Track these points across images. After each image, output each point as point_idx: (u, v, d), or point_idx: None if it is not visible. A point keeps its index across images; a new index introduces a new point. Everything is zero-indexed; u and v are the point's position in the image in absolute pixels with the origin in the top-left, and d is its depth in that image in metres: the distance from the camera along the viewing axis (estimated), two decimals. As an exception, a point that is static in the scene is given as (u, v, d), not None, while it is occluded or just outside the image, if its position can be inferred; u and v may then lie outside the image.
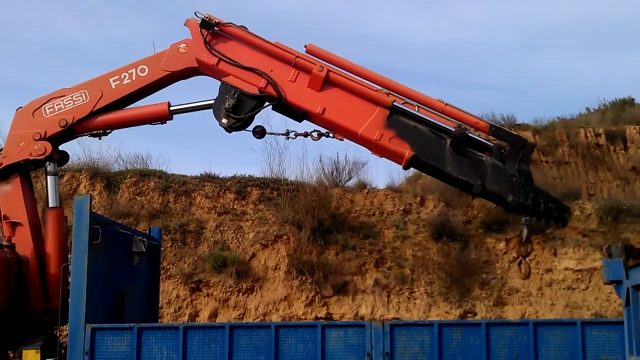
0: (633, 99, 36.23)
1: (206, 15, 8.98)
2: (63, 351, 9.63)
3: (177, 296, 19.06)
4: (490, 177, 8.22)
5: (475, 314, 19.09)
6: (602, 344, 8.82)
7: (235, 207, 21.06)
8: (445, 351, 8.90)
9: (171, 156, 41.92)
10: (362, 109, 8.65)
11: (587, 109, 35.51)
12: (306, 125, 9.16)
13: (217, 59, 8.91)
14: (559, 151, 28.11)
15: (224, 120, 8.84)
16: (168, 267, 19.19)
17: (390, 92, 8.59)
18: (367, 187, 22.35)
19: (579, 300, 19.37)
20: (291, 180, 21.64)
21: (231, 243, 20.06)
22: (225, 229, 20.33)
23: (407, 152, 8.41)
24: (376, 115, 8.58)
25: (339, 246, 20.07)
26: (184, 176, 21.94)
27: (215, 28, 9.02)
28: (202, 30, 8.99)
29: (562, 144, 27.94)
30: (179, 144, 43.58)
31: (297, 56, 8.79)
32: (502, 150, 8.42)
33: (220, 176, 22.08)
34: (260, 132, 9.01)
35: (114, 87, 9.51)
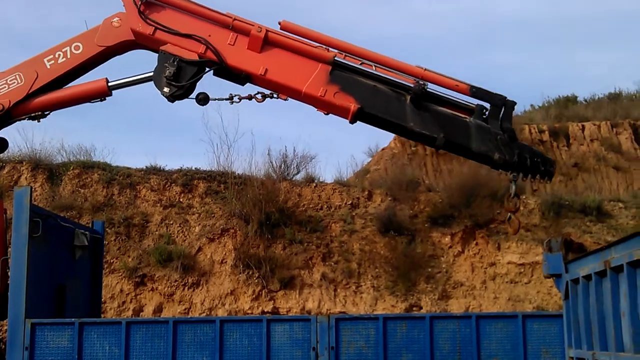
0: (576, 97, 37.16)
1: None
2: (2, 346, 9.41)
3: (121, 291, 18.78)
4: (475, 138, 8.26)
5: (421, 308, 19.29)
6: (543, 337, 9.00)
7: (181, 200, 20.83)
8: (390, 344, 8.98)
9: (116, 148, 41.28)
10: (304, 67, 8.62)
11: (531, 105, 36.28)
12: (250, 89, 9.07)
13: (153, 28, 8.73)
14: (503, 147, 28.57)
15: (166, 89, 8.69)
16: (112, 261, 18.88)
17: (366, 61, 8.55)
18: (315, 181, 22.36)
19: (522, 293, 19.75)
20: (239, 174, 21.52)
21: (177, 237, 19.85)
22: (171, 222, 20.10)
23: (353, 106, 8.42)
24: (319, 72, 8.56)
25: (286, 240, 20.04)
26: (128, 168, 21.60)
27: None
28: (136, 0, 8.80)
29: (507, 140, 28.40)
30: (124, 135, 43.01)
31: (235, 19, 8.71)
32: (484, 111, 8.48)
33: (167, 169, 21.82)
34: (203, 99, 8.89)
35: (49, 67, 9.25)
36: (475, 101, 8.53)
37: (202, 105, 8.87)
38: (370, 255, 20.14)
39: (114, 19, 9.09)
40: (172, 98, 8.81)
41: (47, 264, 9.76)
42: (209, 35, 8.69)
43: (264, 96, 8.97)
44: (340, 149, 54.78)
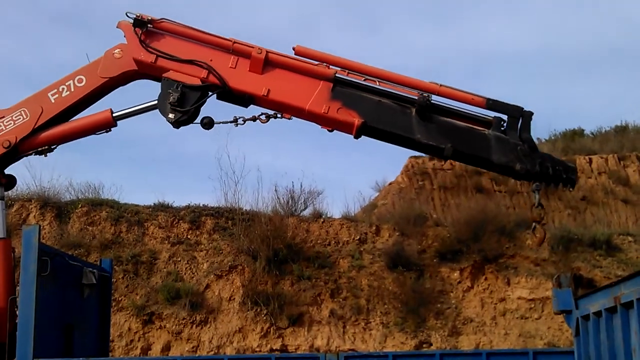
0: (582, 130, 37.17)
1: (138, 14, 8.91)
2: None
3: (129, 329, 18.69)
4: (496, 150, 8.25)
5: (431, 344, 19.11)
6: (554, 374, 8.89)
7: (189, 237, 20.83)
8: (399, 382, 8.89)
9: (124, 185, 41.43)
10: (305, 85, 8.66)
11: (537, 139, 36.17)
12: (253, 110, 9.10)
13: (155, 56, 8.81)
14: (511, 181, 28.48)
15: (171, 115, 8.73)
16: (120, 298, 18.83)
17: (384, 80, 8.60)
18: (323, 217, 22.35)
19: (532, 329, 19.55)
20: (246, 210, 21.55)
21: (185, 274, 19.80)
22: (179, 259, 20.08)
23: (357, 120, 8.46)
24: (320, 89, 8.61)
25: (295, 276, 19.97)
26: (136, 206, 21.65)
27: (149, 25, 8.94)
28: (136, 29, 8.89)
29: (514, 174, 28.37)
30: (132, 172, 43.18)
31: (235, 42, 8.78)
32: (502, 122, 8.48)
33: (174, 205, 21.87)
34: (208, 123, 8.92)
35: (53, 101, 9.31)
36: (492, 114, 8.55)
37: (207, 129, 8.92)
38: (378, 291, 20.03)
39: (116, 50, 9.18)
40: (177, 124, 8.86)
41: (55, 303, 9.72)
42: (211, 60, 8.78)
43: (268, 117, 9.01)
44: (348, 184, 54.83)
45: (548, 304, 19.15)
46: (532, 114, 8.42)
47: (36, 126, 9.35)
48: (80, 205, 21.00)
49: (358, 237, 21.63)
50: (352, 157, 50.28)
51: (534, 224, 8.32)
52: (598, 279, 19.57)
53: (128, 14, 8.95)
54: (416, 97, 8.41)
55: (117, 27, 9.18)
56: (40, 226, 9.53)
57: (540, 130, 35.07)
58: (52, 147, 9.58)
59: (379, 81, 8.64)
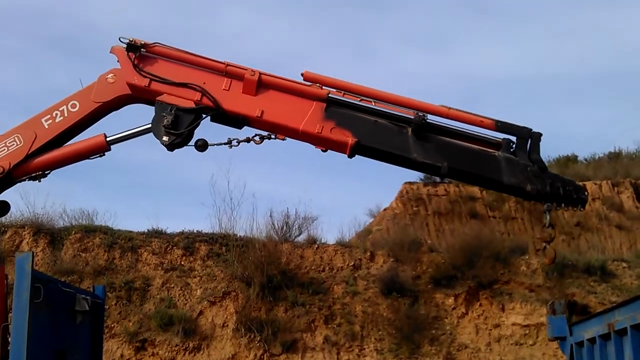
0: (576, 156, 37.38)
1: (131, 39, 8.96)
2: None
3: (122, 356, 18.54)
4: (506, 171, 8.26)
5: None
6: (549, 401, 8.84)
7: (182, 263, 20.76)
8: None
9: (118, 211, 41.33)
10: (299, 106, 8.66)
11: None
12: (247, 132, 9.10)
13: (149, 80, 8.84)
14: (505, 206, 28.67)
15: (165, 138, 8.71)
16: (112, 325, 18.71)
17: (396, 104, 8.64)
18: (317, 243, 22.31)
19: (527, 355, 19.48)
20: (240, 236, 21.50)
21: (178, 300, 19.70)
22: (172, 285, 19.99)
23: (350, 140, 8.46)
24: (314, 110, 8.61)
25: (289, 302, 19.89)
26: (130, 232, 21.59)
27: (142, 50, 8.98)
28: (129, 54, 8.93)
29: (508, 200, 28.50)
30: (126, 198, 43.14)
31: (228, 65, 8.82)
32: (511, 144, 8.52)
33: (168, 232, 21.82)
34: (202, 145, 8.90)
35: (47, 126, 9.28)
36: (501, 135, 8.58)
37: (201, 151, 8.91)
38: (373, 317, 19.96)
39: (109, 75, 9.19)
40: (171, 147, 8.85)
41: (47, 330, 9.65)
42: (204, 83, 8.79)
43: (262, 138, 9.00)
44: (342, 210, 54.86)
45: (543, 330, 19.10)
46: (540, 135, 8.47)
47: (30, 152, 9.32)
48: (73, 232, 20.93)
49: (352, 263, 21.59)
50: (347, 183, 50.37)
51: (544, 244, 8.34)
52: (593, 305, 19.56)
53: (121, 39, 9.00)
54: (412, 117, 8.46)
55: (110, 52, 9.22)
56: (33, 253, 9.49)
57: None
58: (46, 172, 9.56)
59: (374, 101, 8.70)
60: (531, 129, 8.49)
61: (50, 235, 20.79)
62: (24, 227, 20.71)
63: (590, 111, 64.05)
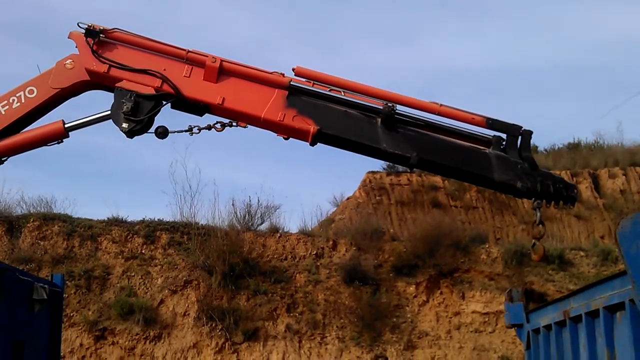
0: (536, 147, 37.75)
1: (90, 24, 8.82)
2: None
3: (81, 345, 18.36)
4: (496, 168, 8.28)
5: (387, 358, 19.17)
6: (506, 387, 8.98)
7: (143, 251, 20.58)
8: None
9: (77, 199, 40.78)
10: (260, 93, 8.62)
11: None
12: (208, 119, 9.03)
13: (108, 65, 8.71)
14: (467, 196, 28.92)
15: (124, 125, 8.59)
16: (72, 314, 18.50)
17: (387, 101, 8.61)
18: (280, 231, 22.30)
19: (486, 343, 19.75)
20: (202, 224, 21.39)
21: (139, 289, 19.55)
22: (133, 274, 19.82)
23: (312, 128, 8.45)
24: (275, 97, 8.58)
25: (250, 291, 19.87)
26: (90, 220, 21.34)
27: (101, 35, 8.85)
28: (88, 39, 8.79)
29: (470, 189, 28.76)
30: (86, 186, 42.61)
31: (189, 51, 8.74)
32: (502, 141, 8.57)
33: (129, 220, 21.61)
34: (163, 132, 8.80)
35: (3, 112, 9.11)
36: (490, 133, 8.63)
37: (161, 138, 8.81)
38: (335, 306, 20.04)
39: (67, 61, 9.04)
40: (130, 134, 8.75)
41: (4, 319, 9.50)
42: (164, 69, 8.69)
43: (223, 125, 8.94)
44: (305, 198, 54.90)
45: (502, 318, 19.29)
46: (531, 132, 8.54)
47: None
48: (32, 220, 20.63)
49: (315, 251, 21.62)
50: (310, 172, 50.46)
51: (534, 241, 8.46)
52: (551, 293, 19.82)
53: (80, 24, 8.85)
54: (381, 107, 8.47)
55: (68, 37, 9.05)
56: (-11, 240, 9.35)
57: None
58: (3, 159, 9.40)
59: (344, 91, 8.68)
60: (522, 127, 8.56)
61: (7, 223, 20.45)
62: (-20, 215, 20.37)
63: (551, 104, 64.93)
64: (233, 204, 22.36)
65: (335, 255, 21.74)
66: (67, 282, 17.44)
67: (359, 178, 30.21)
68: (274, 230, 22.32)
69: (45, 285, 10.85)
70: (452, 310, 20.44)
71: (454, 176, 8.95)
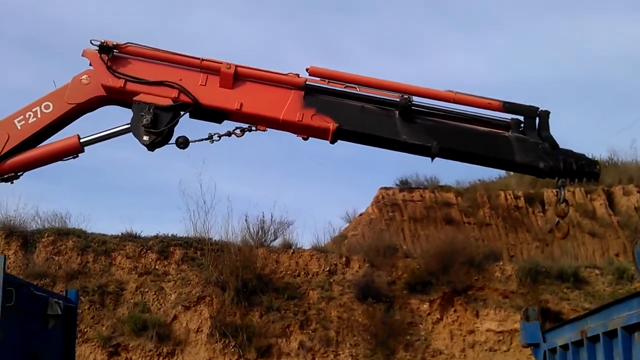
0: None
1: (102, 41, 8.88)
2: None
3: (94, 360, 18.39)
4: (517, 150, 8.28)
5: (400, 376, 19.06)
6: (522, 407, 8.89)
7: (157, 267, 20.61)
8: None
9: (92, 214, 40.95)
10: (277, 96, 8.65)
11: (506, 172, 36.61)
12: (227, 125, 9.05)
13: (123, 80, 8.76)
14: (480, 213, 28.78)
15: (145, 138, 8.63)
16: (85, 330, 18.52)
17: (403, 93, 8.62)
18: (293, 247, 22.28)
19: (501, 361, 19.61)
20: (216, 240, 21.40)
21: (152, 305, 19.56)
22: (146, 290, 19.84)
23: (331, 125, 8.47)
24: (292, 98, 8.60)
25: (264, 307, 19.84)
26: (104, 235, 21.41)
27: (115, 51, 8.90)
28: (102, 56, 8.85)
29: (483, 206, 28.65)
30: (100, 201, 42.79)
31: (203, 60, 8.78)
32: (520, 124, 8.56)
33: (142, 235, 21.65)
34: (183, 142, 8.83)
35: (19, 127, 9.17)
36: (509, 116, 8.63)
37: (183, 148, 8.85)
38: (348, 323, 19.96)
39: (83, 77, 9.10)
40: (152, 146, 8.77)
41: (19, 334, 9.54)
42: (180, 79, 8.73)
43: (243, 130, 8.95)
44: (318, 214, 54.85)
45: (516, 337, 19.15)
46: (549, 112, 8.52)
47: (2, 153, 9.23)
48: (46, 235, 20.72)
49: (328, 268, 21.58)
50: (323, 187, 50.40)
51: (558, 219, 8.39)
52: (566, 311, 19.71)
53: (92, 42, 8.91)
54: (398, 100, 8.49)
55: (82, 55, 9.12)
56: (5, 256, 9.38)
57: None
58: (19, 174, 9.46)
59: (359, 87, 8.71)
60: (538, 108, 8.54)
61: (22, 238, 20.55)
62: (-5, 229, 20.48)
63: (563, 120, 64.56)
64: (246, 220, 22.39)
65: (348, 271, 21.68)
66: (80, 297, 17.47)
67: (372, 194, 30.18)
68: (287, 246, 22.30)
69: (60, 301, 10.89)
70: (466, 329, 20.31)
71: (476, 162, 8.86)
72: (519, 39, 64.76)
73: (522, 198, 29.38)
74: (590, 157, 8.47)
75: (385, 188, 29.92)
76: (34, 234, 20.92)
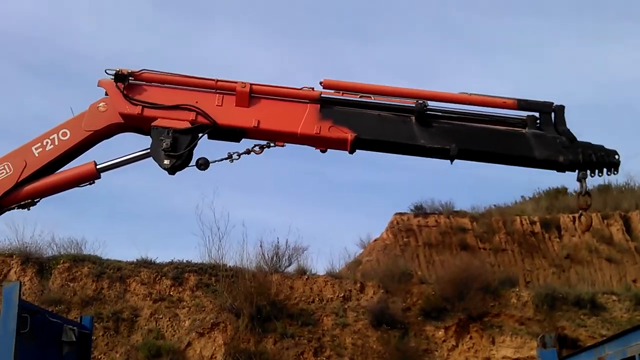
0: (566, 188, 37.39)
1: (117, 69, 8.98)
2: None
3: (109, 387, 18.35)
4: (536, 146, 8.29)
5: (415, 404, 18.87)
6: None
7: (171, 293, 20.62)
8: None
9: (107, 240, 41.11)
10: (293, 110, 8.71)
11: (522, 197, 36.51)
12: (246, 144, 9.10)
13: (140, 107, 8.85)
14: (495, 238, 28.65)
15: (166, 162, 8.70)
16: (100, 357, 18.50)
17: (418, 99, 8.66)
18: (307, 273, 22.24)
19: (517, 389, 19.39)
20: (230, 266, 21.39)
21: (166, 331, 19.53)
22: (161, 316, 19.83)
23: (349, 135, 8.50)
24: (309, 112, 8.66)
25: (278, 334, 19.75)
26: (119, 261, 21.47)
27: (130, 78, 9.00)
28: (118, 84, 8.95)
29: (498, 231, 28.52)
30: (115, 227, 42.98)
31: (218, 80, 8.86)
32: (536, 120, 8.57)
33: (157, 261, 21.70)
34: (204, 163, 8.90)
35: (37, 155, 9.27)
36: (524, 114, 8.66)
37: (203, 170, 8.91)
38: (362, 350, 19.82)
39: (100, 104, 9.20)
40: (172, 170, 8.83)
41: (33, 361, 9.55)
42: (197, 102, 8.82)
43: (262, 147, 9.02)
44: (333, 240, 54.78)
45: (533, 364, 19.03)
46: (564, 107, 8.55)
47: (19, 180, 9.31)
48: (62, 261, 20.80)
49: (342, 294, 21.50)
50: (337, 213, 50.36)
51: (580, 211, 8.37)
52: (583, 338, 19.50)
53: (107, 71, 9.03)
54: (414, 105, 8.53)
55: (98, 85, 9.23)
56: (21, 283, 9.44)
57: (523, 189, 35.23)
58: (35, 200, 9.54)
59: (374, 96, 8.76)
60: (552, 103, 8.57)
61: (38, 264, 20.64)
62: (11, 256, 20.58)
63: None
64: (261, 246, 22.38)
65: (363, 298, 21.59)
66: (95, 324, 17.49)
67: (386, 219, 30.14)
68: (302, 272, 22.26)
69: (75, 328, 10.90)
70: (482, 355, 20.11)
71: (496, 161, 8.86)
72: (535, 64, 64.89)
73: (538, 223, 29.24)
74: (608, 148, 8.46)
75: (400, 213, 29.89)
76: (50, 260, 21.01)
